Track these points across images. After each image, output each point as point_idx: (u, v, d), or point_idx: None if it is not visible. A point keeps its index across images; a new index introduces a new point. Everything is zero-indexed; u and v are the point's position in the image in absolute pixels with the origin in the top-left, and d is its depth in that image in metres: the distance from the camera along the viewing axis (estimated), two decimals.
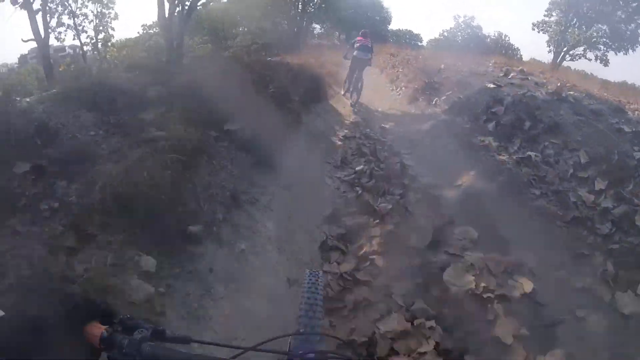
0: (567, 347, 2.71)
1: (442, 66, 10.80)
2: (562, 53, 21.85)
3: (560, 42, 21.76)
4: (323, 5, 21.50)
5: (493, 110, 6.21)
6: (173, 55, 8.36)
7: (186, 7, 8.76)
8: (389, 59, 16.39)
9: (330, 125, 6.81)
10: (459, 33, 31.25)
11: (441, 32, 29.96)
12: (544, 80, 8.52)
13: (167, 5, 8.19)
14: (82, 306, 0.81)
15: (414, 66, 12.83)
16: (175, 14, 8.63)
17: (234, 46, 16.90)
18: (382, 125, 7.45)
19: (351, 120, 7.67)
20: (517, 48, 27.45)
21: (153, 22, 18.39)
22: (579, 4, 20.81)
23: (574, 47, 21.30)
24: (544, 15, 23.05)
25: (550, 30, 22.36)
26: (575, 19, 21.04)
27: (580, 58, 21.63)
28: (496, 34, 28.41)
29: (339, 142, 6.08)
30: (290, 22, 21.29)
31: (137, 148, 3.12)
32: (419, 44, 32.05)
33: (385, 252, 3.40)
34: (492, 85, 7.53)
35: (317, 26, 28.70)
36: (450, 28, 29.87)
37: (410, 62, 14.58)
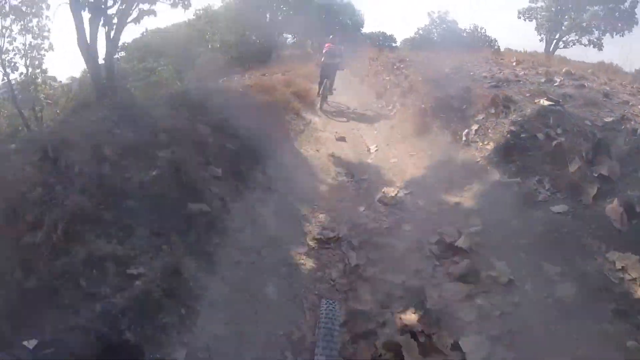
0: None
1: (447, 70, 7.96)
2: (555, 40, 19.69)
3: (552, 28, 19.60)
4: (291, 12, 20.67)
5: (593, 163, 3.30)
6: (99, 93, 6.98)
7: (113, 27, 7.34)
8: (369, 65, 13.56)
9: (291, 213, 3.72)
10: (435, 30, 29.54)
11: (416, 31, 27.89)
12: (607, 88, 5.74)
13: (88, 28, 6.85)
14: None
15: (406, 72, 10.00)
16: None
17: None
18: (387, 193, 4.35)
19: (331, 181, 4.64)
20: (495, 40, 26.16)
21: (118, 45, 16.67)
22: None
23: (567, 33, 19.17)
24: (530, 1, 20.92)
25: (540, 17, 20.19)
26: (570, 4, 18.92)
27: (574, 44, 19.52)
28: (472, 27, 26.65)
29: (305, 264, 3.01)
30: (259, 34, 19.34)
31: None
32: (393, 44, 30.34)
33: None
34: (546, 102, 4.68)
35: (289, 36, 27.01)
36: (425, 25, 27.84)
37: (398, 66, 11.81)
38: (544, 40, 19.97)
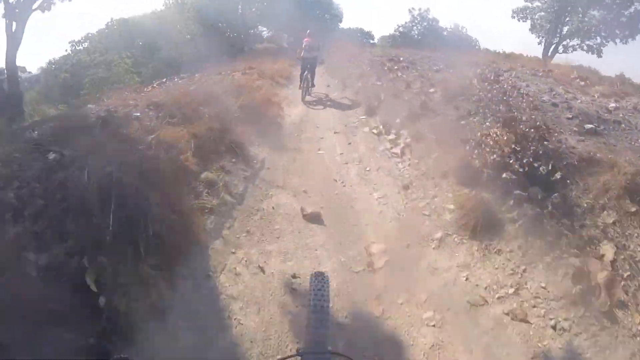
0: None
1: (475, 81, 5.11)
2: (554, 45, 17.68)
3: (551, 31, 17.55)
4: (265, 4, 18.95)
5: None
6: None
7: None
8: (351, 64, 10.48)
9: None
10: (415, 27, 27.72)
11: (396, 27, 25.65)
12: None
13: None
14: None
15: (407, 78, 7.13)
16: None
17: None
18: None
19: None
20: (475, 39, 24.39)
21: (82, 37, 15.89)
22: None
23: (568, 37, 17.19)
24: (525, 1, 18.75)
25: (536, 17, 18.09)
26: (569, 6, 16.88)
27: (574, 50, 17.60)
28: (452, 26, 25.20)
29: None
30: (231, 27, 17.66)
31: None
32: (371, 41, 28.26)
33: None
34: None
35: (265, 29, 23.83)
36: (406, 22, 25.62)
37: (390, 67, 8.86)
38: (541, 44, 17.96)
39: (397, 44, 21.72)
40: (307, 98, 8.01)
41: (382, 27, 60.92)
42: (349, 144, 5.39)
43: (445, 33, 25.96)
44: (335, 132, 5.86)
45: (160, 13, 17.82)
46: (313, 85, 8.36)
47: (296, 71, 9.36)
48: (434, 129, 4.48)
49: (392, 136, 5.31)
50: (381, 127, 5.76)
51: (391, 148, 4.96)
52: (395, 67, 8.87)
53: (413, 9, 26.07)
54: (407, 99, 6.08)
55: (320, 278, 1.37)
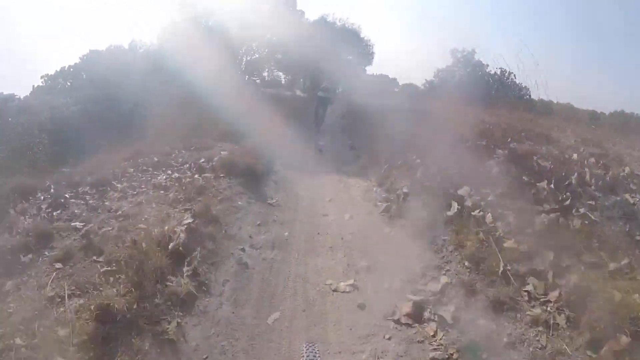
0: None
1: None
2: None
3: None
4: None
5: None
6: None
7: None
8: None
9: None
10: (457, 72, 23.67)
11: (436, 72, 22.17)
12: None
13: None
14: None
15: None
16: None
17: None
18: None
19: None
20: (526, 87, 20.97)
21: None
22: None
23: None
24: None
25: None
26: None
27: None
28: (498, 71, 20.45)
29: None
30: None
31: None
32: (396, 90, 25.61)
33: None
34: None
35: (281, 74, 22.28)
36: (447, 66, 22.07)
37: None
38: None
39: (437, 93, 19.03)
40: None
41: (408, 71, 56.09)
42: None
43: (490, 80, 22.39)
44: None
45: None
46: (323, 121, 9.33)
47: None
48: None
49: None
50: None
51: None
52: None
53: (456, 50, 22.09)
54: None
55: (311, 348, 1.59)
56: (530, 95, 22.14)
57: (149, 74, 11.18)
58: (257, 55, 17.18)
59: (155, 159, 5.83)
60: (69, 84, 13.35)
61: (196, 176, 5.13)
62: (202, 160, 5.75)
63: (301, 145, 7.80)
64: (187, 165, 5.62)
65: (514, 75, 21.09)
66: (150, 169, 5.48)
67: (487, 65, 21.00)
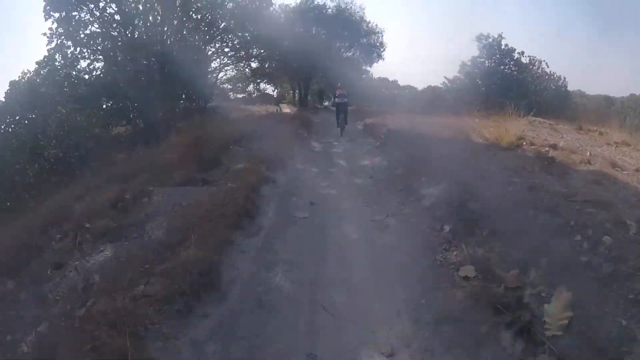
0: None
1: None
2: None
3: None
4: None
5: None
6: None
7: None
8: None
9: None
10: (487, 63, 20.15)
11: (462, 64, 18.88)
12: None
13: None
14: None
15: None
16: None
17: None
18: None
19: None
20: (564, 78, 17.94)
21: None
22: None
23: None
24: None
25: None
26: None
27: None
28: (527, 60, 18.08)
29: None
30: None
31: None
32: (395, 92, 24.69)
33: None
34: None
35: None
36: (473, 57, 18.67)
37: None
38: None
39: (463, 95, 15.55)
40: None
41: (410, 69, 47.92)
42: None
43: (515, 73, 17.74)
44: None
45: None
46: (346, 123, 10.91)
47: None
48: None
49: None
50: None
51: None
52: None
53: (482, 36, 18.38)
54: None
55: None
56: (567, 87, 19.29)
57: None
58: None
59: None
60: None
61: None
62: None
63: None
64: None
65: (546, 62, 18.16)
66: None
67: (523, 53, 17.97)
